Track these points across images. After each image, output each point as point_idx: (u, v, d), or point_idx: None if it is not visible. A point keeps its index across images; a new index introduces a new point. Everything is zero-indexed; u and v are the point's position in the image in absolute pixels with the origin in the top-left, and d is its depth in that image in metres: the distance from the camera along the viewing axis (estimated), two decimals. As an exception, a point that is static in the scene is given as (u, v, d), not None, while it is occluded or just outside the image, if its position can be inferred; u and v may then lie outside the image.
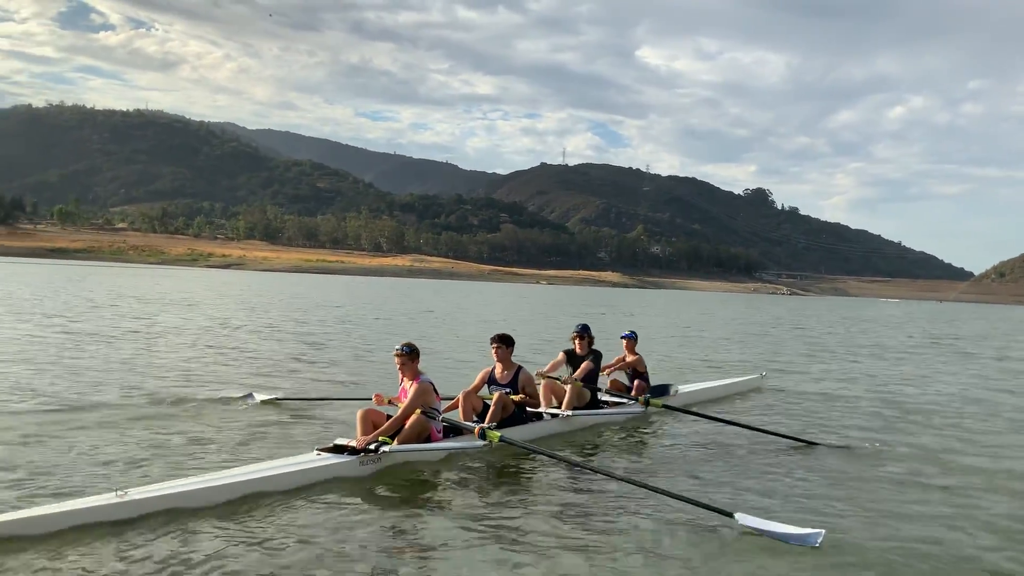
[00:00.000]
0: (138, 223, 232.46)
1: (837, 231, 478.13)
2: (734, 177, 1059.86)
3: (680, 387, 12.22)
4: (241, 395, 10.71)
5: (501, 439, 7.61)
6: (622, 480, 7.05)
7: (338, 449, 7.29)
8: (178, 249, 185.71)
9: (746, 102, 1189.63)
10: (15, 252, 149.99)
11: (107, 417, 9.15)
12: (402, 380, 7.99)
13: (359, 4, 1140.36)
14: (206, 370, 13.68)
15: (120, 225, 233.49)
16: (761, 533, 5.80)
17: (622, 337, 11.52)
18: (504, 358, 9.03)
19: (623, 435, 9.68)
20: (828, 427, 10.70)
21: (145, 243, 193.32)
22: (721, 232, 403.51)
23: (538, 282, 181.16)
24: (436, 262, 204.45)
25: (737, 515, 5.96)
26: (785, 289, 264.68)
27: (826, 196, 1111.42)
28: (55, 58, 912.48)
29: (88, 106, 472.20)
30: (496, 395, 8.66)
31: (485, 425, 7.96)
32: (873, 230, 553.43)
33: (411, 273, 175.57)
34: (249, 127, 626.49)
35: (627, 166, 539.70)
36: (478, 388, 8.97)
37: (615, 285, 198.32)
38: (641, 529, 6.05)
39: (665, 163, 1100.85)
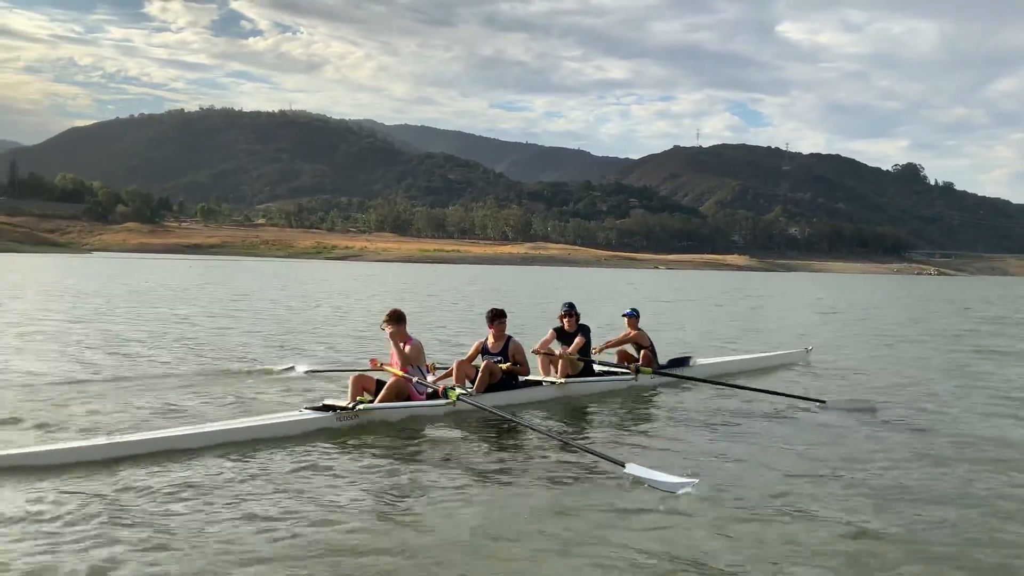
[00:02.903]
0: (276, 219, 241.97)
1: (997, 207, 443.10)
2: (884, 153, 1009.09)
3: (706, 359, 12.57)
4: (284, 367, 11.95)
5: (459, 398, 8.40)
6: (547, 435, 7.80)
7: (326, 408, 8.20)
8: (306, 243, 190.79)
9: (896, 74, 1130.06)
10: (155, 248, 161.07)
11: (165, 382, 10.76)
12: (393, 346, 8.82)
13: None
14: (265, 345, 15.41)
15: (259, 221, 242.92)
16: (642, 481, 6.31)
17: (623, 315, 11.85)
18: (497, 330, 9.75)
19: (603, 401, 10.33)
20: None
21: (277, 238, 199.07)
22: (868, 211, 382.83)
23: (656, 267, 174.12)
24: (554, 249, 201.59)
25: (628, 465, 6.52)
26: (932, 269, 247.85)
27: (985, 170, 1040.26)
28: (209, 64, 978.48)
29: (236, 109, 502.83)
30: (484, 363, 9.42)
31: (448, 386, 8.76)
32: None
33: (525, 260, 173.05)
34: (387, 123, 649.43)
35: (766, 145, 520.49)
36: (472, 358, 9.78)
37: (741, 269, 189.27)
38: (549, 477, 6.72)
39: (808, 141, 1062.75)
